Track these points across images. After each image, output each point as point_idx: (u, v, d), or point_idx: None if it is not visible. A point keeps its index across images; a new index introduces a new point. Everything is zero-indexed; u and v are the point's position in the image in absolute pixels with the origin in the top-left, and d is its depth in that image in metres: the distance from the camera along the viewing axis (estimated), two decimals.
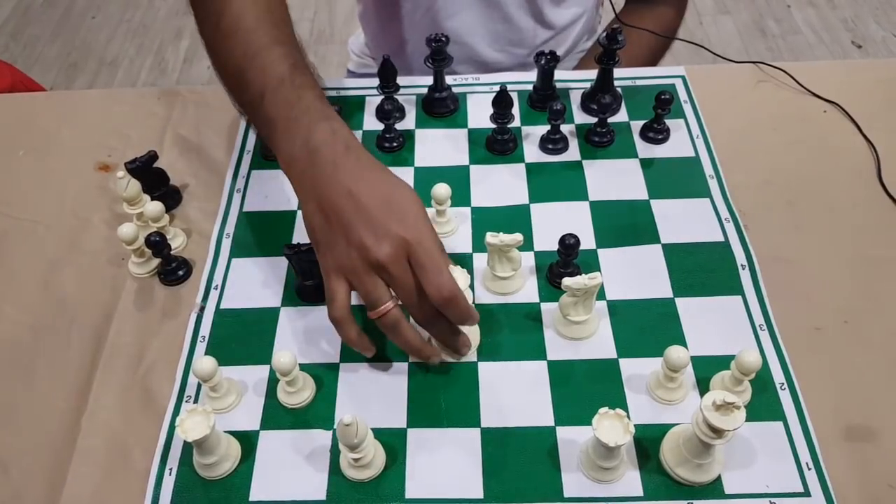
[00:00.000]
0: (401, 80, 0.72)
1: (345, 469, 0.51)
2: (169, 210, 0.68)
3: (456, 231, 0.66)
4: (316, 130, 0.53)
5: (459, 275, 0.51)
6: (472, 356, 0.57)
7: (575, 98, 0.78)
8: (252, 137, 0.76)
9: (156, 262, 0.64)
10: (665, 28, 0.88)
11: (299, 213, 0.68)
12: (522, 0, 0.85)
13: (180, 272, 0.64)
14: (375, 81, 0.72)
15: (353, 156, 0.53)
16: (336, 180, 0.52)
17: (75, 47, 2.16)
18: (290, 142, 0.54)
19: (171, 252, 0.63)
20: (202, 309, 0.61)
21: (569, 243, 0.58)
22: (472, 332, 0.57)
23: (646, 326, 0.59)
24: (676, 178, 0.70)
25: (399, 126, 0.75)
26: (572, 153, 0.73)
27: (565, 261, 0.60)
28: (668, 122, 0.73)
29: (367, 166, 0.54)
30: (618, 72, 0.76)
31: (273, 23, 0.60)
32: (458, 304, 0.50)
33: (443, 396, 0.55)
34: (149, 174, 0.68)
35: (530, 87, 0.78)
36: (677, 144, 0.73)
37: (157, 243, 0.60)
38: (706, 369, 0.56)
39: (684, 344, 0.57)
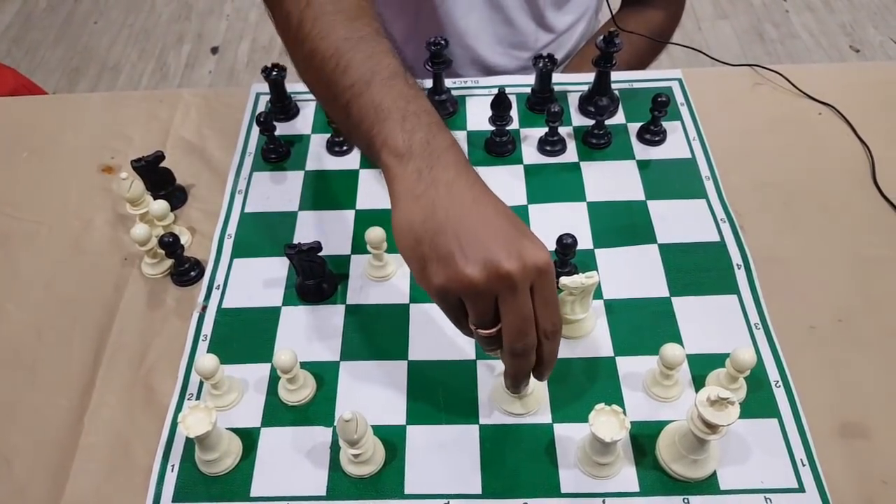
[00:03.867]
0: None
1: (345, 465, 0.52)
2: (175, 209, 0.69)
3: None
4: (438, 134, 0.48)
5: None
6: (544, 416, 0.55)
7: (573, 100, 0.79)
8: (254, 139, 0.76)
9: (168, 262, 0.65)
10: (654, 32, 0.89)
11: (300, 213, 0.69)
12: (524, 4, 0.86)
13: (193, 273, 0.64)
14: None
15: (474, 172, 0.48)
16: (460, 187, 0.46)
17: (77, 52, 2.17)
18: (406, 135, 0.47)
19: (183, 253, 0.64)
20: (204, 308, 0.62)
21: (566, 243, 0.59)
22: (541, 392, 0.56)
23: (642, 325, 0.59)
24: (673, 180, 0.70)
25: None
26: (570, 155, 0.73)
27: (563, 260, 0.60)
28: (665, 124, 0.74)
29: (487, 186, 0.48)
30: (615, 75, 0.77)
31: (374, 16, 0.56)
32: (556, 342, 0.48)
33: (441, 394, 0.56)
34: (155, 173, 0.69)
35: (529, 89, 0.79)
36: (674, 146, 0.74)
37: (170, 244, 0.61)
38: (702, 367, 0.56)
39: (680, 342, 0.58)
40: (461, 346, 0.58)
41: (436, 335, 0.59)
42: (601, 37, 0.72)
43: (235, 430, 0.54)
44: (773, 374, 0.56)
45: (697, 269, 0.63)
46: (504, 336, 0.46)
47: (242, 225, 0.69)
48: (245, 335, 0.60)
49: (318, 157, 0.75)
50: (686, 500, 0.50)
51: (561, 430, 0.54)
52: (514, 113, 0.75)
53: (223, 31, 2.23)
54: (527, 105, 0.78)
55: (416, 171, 0.47)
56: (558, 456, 0.52)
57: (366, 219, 0.67)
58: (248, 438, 0.54)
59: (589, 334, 0.59)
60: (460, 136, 0.76)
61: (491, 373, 0.57)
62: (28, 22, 2.29)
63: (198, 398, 0.56)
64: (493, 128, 0.72)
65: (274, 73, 0.76)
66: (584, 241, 0.65)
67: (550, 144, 0.73)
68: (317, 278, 0.61)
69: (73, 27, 2.27)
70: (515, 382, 0.51)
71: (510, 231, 0.45)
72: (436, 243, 0.44)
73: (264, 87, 0.80)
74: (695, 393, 0.55)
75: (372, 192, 0.71)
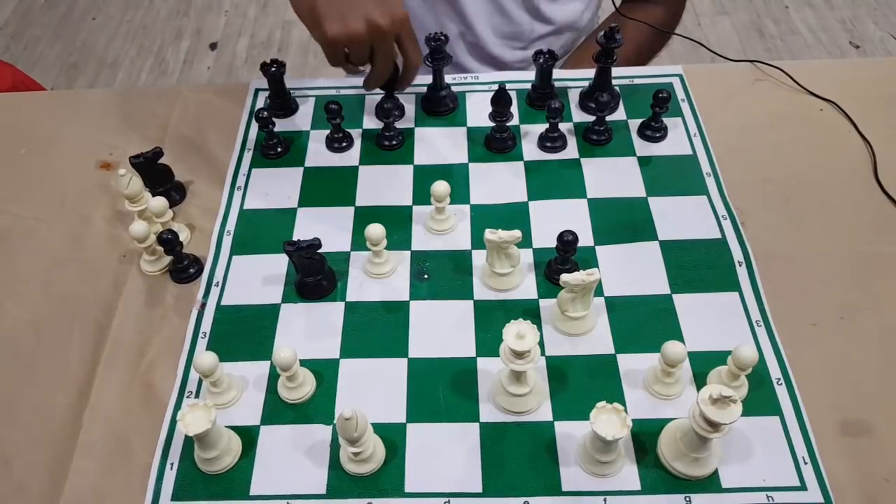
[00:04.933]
0: None
1: (345, 463, 0.51)
2: (174, 205, 0.69)
3: (455, 228, 0.66)
4: None
5: (529, 329, 0.50)
6: (545, 414, 0.54)
7: (573, 97, 0.78)
8: (252, 136, 0.76)
9: (166, 259, 0.64)
10: (655, 29, 0.89)
11: (299, 210, 0.69)
12: None
13: (191, 270, 0.64)
14: None
15: None
16: None
17: (76, 48, 2.16)
18: None
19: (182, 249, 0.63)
20: (203, 305, 0.62)
21: (567, 240, 0.58)
22: (541, 390, 0.55)
23: (643, 322, 0.59)
24: (674, 176, 0.70)
25: (398, 124, 0.75)
26: (571, 151, 0.73)
27: (563, 257, 0.60)
28: (666, 120, 0.74)
29: None
30: (616, 71, 0.76)
31: None
32: (414, 73, 0.71)
33: (442, 391, 0.56)
34: (153, 169, 0.68)
35: (529, 85, 0.79)
36: (675, 142, 0.73)
37: (169, 241, 0.61)
38: (703, 365, 0.56)
39: (681, 340, 0.57)
40: (461, 343, 0.58)
41: (436, 332, 0.59)
42: (602, 32, 0.72)
43: (235, 428, 0.54)
44: (774, 371, 0.56)
45: (698, 265, 0.63)
46: (374, 68, 0.68)
47: (241, 221, 0.68)
48: (244, 332, 0.60)
49: (318, 154, 0.74)
50: (688, 499, 0.50)
51: (562, 428, 0.53)
52: (514, 109, 0.75)
53: (222, 27, 2.22)
54: (527, 101, 0.78)
55: None
56: (559, 454, 0.52)
57: (365, 215, 0.67)
58: (248, 436, 0.54)
59: (590, 332, 0.59)
60: (460, 133, 0.75)
61: (491, 371, 0.57)
62: (26, 18, 2.28)
63: (197, 396, 0.56)
64: (493, 124, 0.72)
65: (273, 68, 0.75)
66: (585, 238, 0.64)
67: (551, 141, 0.73)
68: (316, 275, 0.61)
69: (72, 23, 2.26)
70: (378, 83, 0.71)
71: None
72: (329, 5, 0.62)
73: (263, 83, 0.79)
74: (696, 391, 0.55)
75: (371, 188, 0.71)
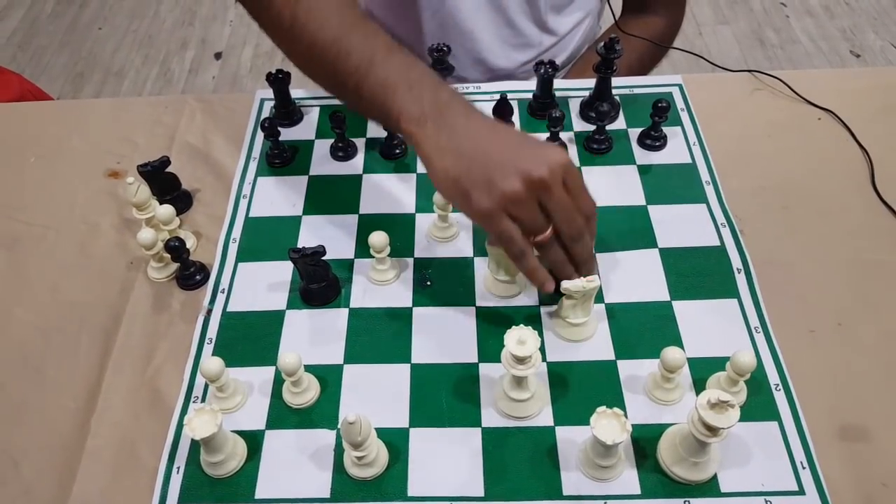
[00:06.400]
0: None
1: (348, 467, 0.52)
2: (180, 213, 0.70)
3: (458, 236, 0.67)
4: (441, 90, 0.56)
5: (530, 335, 0.51)
6: (546, 419, 0.55)
7: (574, 106, 0.79)
8: (258, 145, 0.77)
9: (173, 266, 0.65)
10: (655, 38, 0.90)
11: (304, 217, 0.70)
12: (526, 7, 0.87)
13: (198, 276, 0.65)
14: None
15: (479, 111, 0.56)
16: (475, 127, 0.55)
17: (82, 58, 2.18)
18: (416, 101, 0.55)
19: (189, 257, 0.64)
20: (209, 312, 0.63)
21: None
22: (542, 395, 0.56)
23: (643, 329, 0.60)
24: (673, 184, 0.71)
25: None
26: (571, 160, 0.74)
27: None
28: (666, 129, 0.75)
29: (493, 118, 0.57)
30: (616, 80, 0.77)
31: (353, 3, 0.62)
32: (595, 221, 0.57)
33: (444, 397, 0.56)
34: (160, 178, 0.69)
35: (530, 95, 0.79)
36: (674, 151, 0.74)
37: (176, 248, 0.62)
38: (702, 370, 0.57)
39: (681, 346, 0.58)
40: (464, 349, 0.59)
41: (438, 338, 0.60)
42: (602, 43, 0.73)
43: (240, 433, 0.54)
44: (773, 377, 0.56)
45: (698, 273, 0.63)
46: (560, 228, 0.54)
47: (247, 229, 0.69)
48: (250, 338, 0.61)
49: (322, 162, 0.75)
50: (687, 503, 0.50)
51: (563, 432, 0.54)
52: (515, 118, 0.76)
53: (227, 37, 2.24)
54: (528, 110, 0.79)
55: (435, 128, 0.54)
56: (560, 458, 0.53)
57: (369, 223, 0.68)
58: (253, 440, 0.54)
59: (590, 338, 0.59)
60: None
61: (493, 377, 0.57)
62: (33, 28, 2.30)
63: (203, 401, 0.57)
64: None
65: (279, 78, 0.77)
66: None
67: None
68: (320, 282, 0.62)
69: (78, 33, 2.28)
70: (586, 269, 0.58)
71: (528, 145, 0.54)
72: (472, 175, 0.52)
73: (269, 92, 0.80)
74: (695, 396, 0.55)
75: (375, 197, 0.72)
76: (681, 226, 0.67)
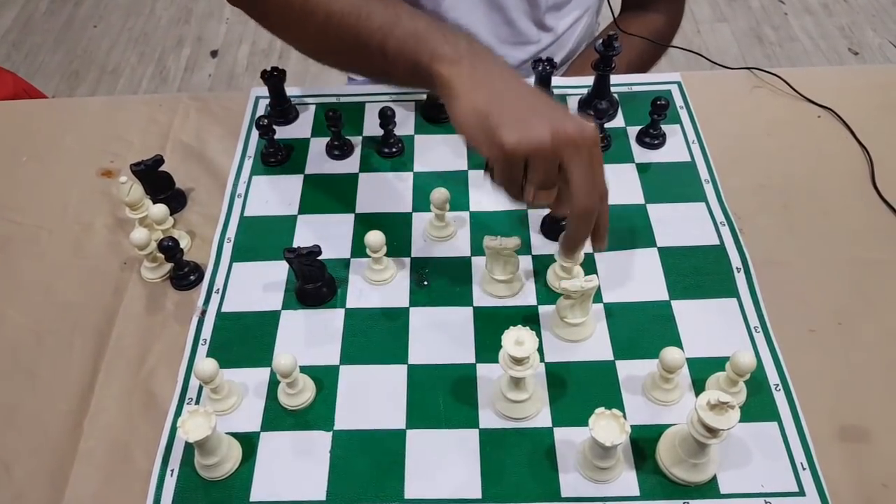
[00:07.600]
0: None
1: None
2: (174, 212, 0.69)
3: (455, 235, 0.67)
4: (476, 42, 0.55)
5: (528, 336, 0.50)
6: (544, 420, 0.55)
7: (572, 104, 0.79)
8: (253, 143, 0.76)
9: (167, 267, 0.65)
10: (655, 35, 0.89)
11: (299, 217, 0.69)
12: (525, 5, 0.86)
13: (192, 277, 0.64)
14: (375, 88, 0.73)
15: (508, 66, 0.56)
16: (513, 76, 0.54)
17: (77, 56, 2.17)
18: (452, 45, 0.54)
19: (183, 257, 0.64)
20: (203, 312, 0.62)
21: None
22: (540, 396, 0.55)
23: (642, 329, 0.59)
24: (672, 183, 0.71)
25: (398, 132, 0.75)
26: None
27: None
28: (665, 127, 0.74)
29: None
30: (614, 78, 0.77)
31: None
32: (607, 203, 0.54)
33: (441, 398, 0.56)
34: (154, 177, 0.69)
35: None
36: (673, 149, 0.74)
37: (169, 248, 0.61)
38: (701, 371, 0.56)
39: (680, 346, 0.58)
40: (461, 350, 0.58)
41: (435, 339, 0.59)
42: (600, 41, 0.72)
43: (235, 435, 0.54)
44: (772, 377, 0.56)
45: (697, 272, 0.63)
46: (574, 194, 0.51)
47: (242, 229, 0.69)
48: (244, 339, 0.60)
49: (318, 161, 0.75)
50: None
51: (561, 434, 0.54)
52: None
53: (223, 35, 2.23)
54: None
55: (471, 67, 0.53)
56: (558, 460, 0.52)
57: (365, 222, 0.68)
58: (248, 443, 0.54)
59: (589, 338, 0.59)
60: (460, 140, 0.75)
61: (491, 378, 0.57)
62: (28, 26, 2.29)
63: (197, 402, 0.56)
64: None
65: (274, 75, 0.76)
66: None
67: None
68: (316, 282, 0.61)
69: (73, 31, 2.27)
70: (574, 245, 0.55)
71: (564, 110, 0.53)
72: (504, 114, 0.50)
73: (264, 90, 0.80)
74: (695, 397, 0.55)
75: (371, 196, 0.71)
76: (680, 225, 0.67)
